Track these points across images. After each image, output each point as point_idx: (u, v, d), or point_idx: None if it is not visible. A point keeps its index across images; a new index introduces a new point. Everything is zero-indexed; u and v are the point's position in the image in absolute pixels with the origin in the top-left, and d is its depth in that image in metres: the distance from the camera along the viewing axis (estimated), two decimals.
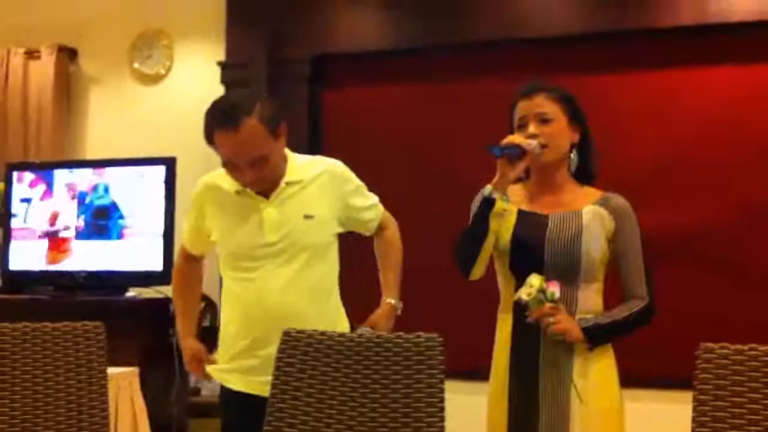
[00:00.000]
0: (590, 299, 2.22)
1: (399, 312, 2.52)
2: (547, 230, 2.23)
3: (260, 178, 2.35)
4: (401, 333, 2.16)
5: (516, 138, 2.23)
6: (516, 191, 2.33)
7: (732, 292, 4.15)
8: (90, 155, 5.11)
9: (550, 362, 2.20)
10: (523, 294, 2.14)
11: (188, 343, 2.59)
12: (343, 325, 2.51)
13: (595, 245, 2.20)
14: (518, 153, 2.20)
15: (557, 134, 2.24)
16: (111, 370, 3.47)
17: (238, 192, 2.42)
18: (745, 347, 1.90)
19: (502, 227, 2.27)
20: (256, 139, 2.27)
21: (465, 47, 4.58)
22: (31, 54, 5.17)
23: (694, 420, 1.91)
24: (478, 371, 4.12)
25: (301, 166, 2.47)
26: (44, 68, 5.10)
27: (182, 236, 2.64)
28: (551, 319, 2.14)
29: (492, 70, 4.51)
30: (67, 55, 5.18)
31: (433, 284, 4.33)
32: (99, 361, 2.39)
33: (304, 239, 2.40)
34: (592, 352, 2.19)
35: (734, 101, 4.25)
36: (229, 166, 2.34)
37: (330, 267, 2.48)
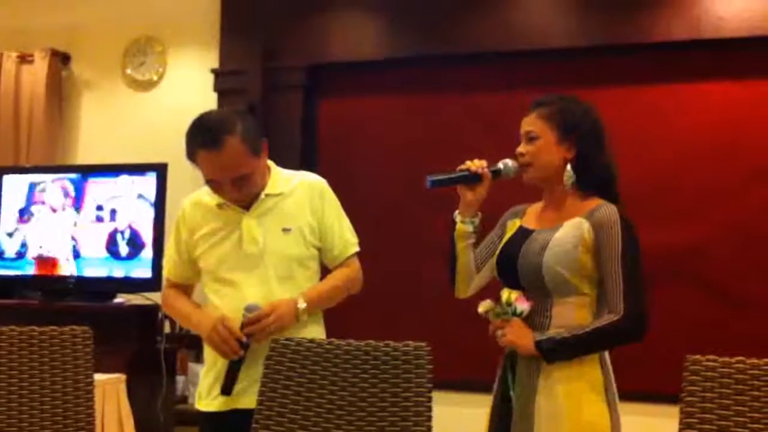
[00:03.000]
0: (567, 314, 2.16)
1: (296, 321, 2.39)
2: (523, 245, 2.22)
3: (242, 195, 2.38)
4: (390, 341, 2.16)
5: (471, 163, 2.27)
6: (536, 207, 2.34)
7: (720, 312, 4.16)
8: (81, 160, 5.10)
9: (520, 380, 2.19)
10: (480, 308, 2.16)
11: (208, 318, 2.40)
12: (322, 332, 2.51)
13: (563, 259, 2.15)
14: (464, 179, 2.26)
15: (541, 152, 2.23)
16: (98, 376, 3.45)
17: (219, 205, 2.44)
18: (732, 360, 1.90)
19: (501, 240, 2.32)
20: (239, 158, 2.30)
21: (460, 58, 4.59)
22: (24, 58, 5.17)
23: None
24: (465, 383, 4.13)
25: (282, 179, 2.49)
26: (37, 72, 5.10)
27: (165, 269, 2.58)
28: (499, 332, 2.14)
29: (488, 82, 4.54)
30: (60, 59, 5.18)
31: (423, 294, 4.33)
32: (86, 366, 2.39)
33: (281, 252, 2.42)
34: (557, 373, 2.13)
35: (728, 117, 4.27)
36: (212, 184, 2.37)
37: (310, 280, 2.48)
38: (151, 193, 4.32)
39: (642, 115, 4.38)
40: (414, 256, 4.41)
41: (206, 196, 2.47)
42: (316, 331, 2.46)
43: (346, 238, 2.54)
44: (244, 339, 2.31)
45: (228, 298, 2.42)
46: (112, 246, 4.38)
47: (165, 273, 2.58)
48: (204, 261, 2.47)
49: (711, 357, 1.91)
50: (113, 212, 4.39)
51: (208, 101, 4.86)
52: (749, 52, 4.24)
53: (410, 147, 4.62)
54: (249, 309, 2.33)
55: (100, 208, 4.42)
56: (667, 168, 4.30)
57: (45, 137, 5.06)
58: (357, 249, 2.55)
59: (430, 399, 2.10)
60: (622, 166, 4.31)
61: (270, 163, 2.50)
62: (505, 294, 2.12)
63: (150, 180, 4.33)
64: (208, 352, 2.49)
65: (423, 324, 4.36)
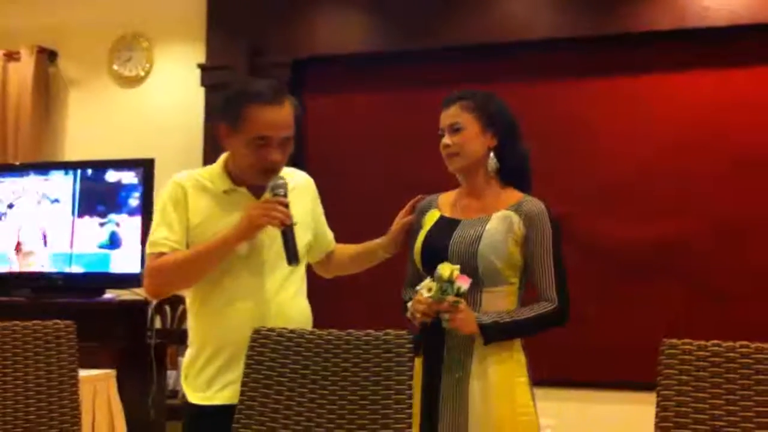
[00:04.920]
0: (496, 302, 2.27)
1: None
2: (453, 235, 2.31)
3: (282, 160, 2.36)
4: (371, 330, 2.17)
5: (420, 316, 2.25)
6: (449, 196, 2.44)
7: (702, 304, 4.19)
8: (69, 157, 5.11)
9: (451, 362, 2.26)
10: (424, 290, 2.19)
11: (237, 219, 2.29)
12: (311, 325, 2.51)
13: (496, 250, 2.25)
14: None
15: (468, 142, 2.34)
16: (88, 372, 3.48)
17: (226, 191, 2.40)
18: (708, 343, 1.92)
19: (421, 230, 2.40)
20: (291, 119, 2.35)
21: (445, 52, 4.60)
22: (11, 55, 5.17)
23: (657, 415, 1.93)
24: None
25: (285, 174, 2.47)
26: (24, 69, 5.11)
27: (158, 242, 2.37)
28: (447, 316, 2.19)
29: (473, 75, 4.53)
30: (47, 56, 5.19)
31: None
32: (70, 360, 2.37)
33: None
34: (492, 356, 2.24)
35: (711, 107, 4.28)
36: (259, 143, 2.31)
37: (301, 279, 2.48)
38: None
39: (626, 106, 4.39)
40: (398, 253, 4.40)
41: (207, 182, 2.40)
42: (303, 303, 2.46)
43: (329, 233, 2.62)
44: (286, 201, 2.28)
45: (235, 291, 2.35)
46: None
47: (158, 248, 2.36)
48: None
49: (687, 341, 1.93)
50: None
51: (195, 96, 4.86)
52: (734, 41, 4.25)
53: (395, 141, 4.63)
54: (275, 185, 2.30)
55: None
56: (650, 159, 4.32)
57: (32, 134, 5.07)
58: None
59: (410, 386, 2.11)
60: (605, 157, 4.40)
61: None
62: (447, 270, 2.16)
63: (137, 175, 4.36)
64: (205, 342, 2.38)
65: (407, 320, 4.37)
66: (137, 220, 4.32)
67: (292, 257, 2.28)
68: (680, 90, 4.34)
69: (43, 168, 4.65)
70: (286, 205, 2.28)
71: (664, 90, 4.37)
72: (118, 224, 4.35)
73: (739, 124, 4.23)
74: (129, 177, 4.38)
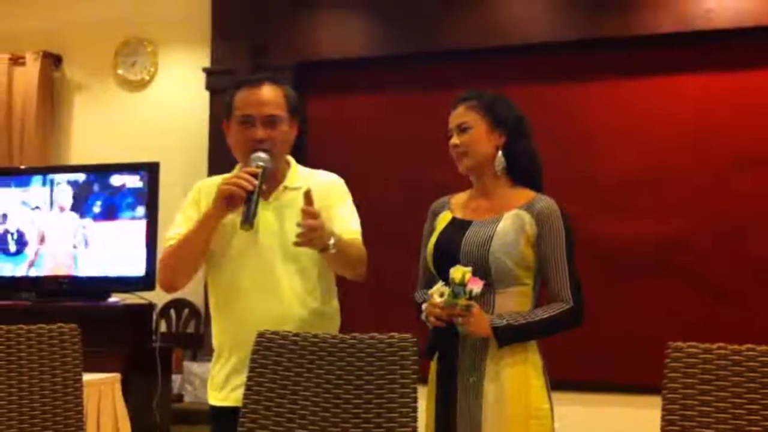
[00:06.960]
0: (510, 303, 2.25)
1: (329, 242, 2.28)
2: (464, 237, 2.30)
3: (270, 139, 2.39)
4: (375, 333, 2.16)
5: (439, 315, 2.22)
6: (461, 197, 2.44)
7: (702, 302, 4.19)
8: (74, 161, 5.12)
9: (465, 367, 2.25)
10: (436, 294, 2.18)
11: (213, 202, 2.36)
12: (334, 328, 2.48)
13: (508, 251, 2.24)
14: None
15: (475, 141, 2.34)
16: (93, 376, 3.48)
17: None
18: (714, 346, 1.91)
19: (434, 232, 2.39)
20: (273, 100, 2.43)
21: (447, 55, 4.61)
22: (16, 60, 5.19)
23: (663, 418, 1.92)
24: None
25: (301, 174, 2.51)
26: (29, 74, 5.13)
27: (170, 237, 2.45)
28: (460, 320, 2.18)
29: (474, 78, 4.51)
30: (52, 61, 5.20)
31: (409, 291, 4.33)
32: (74, 364, 2.37)
33: (297, 247, 2.40)
34: (505, 358, 2.22)
35: (712, 108, 4.29)
36: (244, 123, 2.41)
37: (326, 269, 2.46)
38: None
39: (629, 108, 4.40)
40: (398, 254, 4.39)
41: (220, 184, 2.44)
42: (315, 303, 2.42)
43: (356, 229, 2.49)
44: (257, 171, 2.32)
45: (239, 292, 2.37)
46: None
47: (169, 242, 2.44)
48: (213, 248, 2.41)
49: (692, 344, 1.93)
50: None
51: (200, 100, 4.87)
52: (737, 43, 4.25)
53: (398, 144, 4.64)
54: (254, 158, 2.34)
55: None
56: (651, 160, 4.34)
57: (38, 139, 5.09)
58: (358, 234, 2.48)
59: (415, 390, 2.10)
60: (607, 158, 4.41)
61: (289, 158, 2.53)
62: (459, 273, 2.15)
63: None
64: (222, 343, 2.43)
65: (408, 319, 4.35)
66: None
67: (244, 219, 2.29)
68: (683, 92, 4.35)
69: (43, 172, 4.66)
70: (256, 175, 2.31)
71: (667, 92, 4.37)
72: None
73: (741, 126, 4.24)
74: (134, 181, 4.38)
